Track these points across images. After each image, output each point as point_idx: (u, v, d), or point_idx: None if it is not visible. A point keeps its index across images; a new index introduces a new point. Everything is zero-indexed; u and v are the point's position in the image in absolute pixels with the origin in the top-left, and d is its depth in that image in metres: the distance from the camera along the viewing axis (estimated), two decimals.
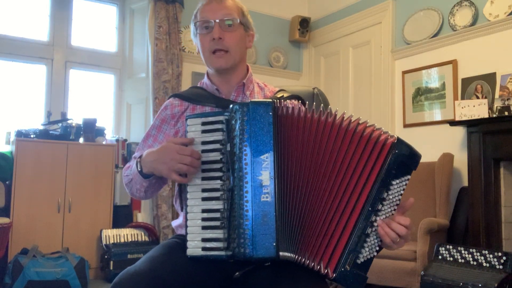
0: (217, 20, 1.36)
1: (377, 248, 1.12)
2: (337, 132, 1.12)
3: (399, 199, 1.11)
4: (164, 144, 1.24)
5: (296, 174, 1.13)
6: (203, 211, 1.15)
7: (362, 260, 1.10)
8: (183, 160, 1.15)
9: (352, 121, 1.13)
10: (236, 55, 1.40)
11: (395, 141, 1.09)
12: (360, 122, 1.12)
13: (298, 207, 1.13)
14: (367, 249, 1.10)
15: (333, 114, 1.14)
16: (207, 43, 1.38)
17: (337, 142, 1.12)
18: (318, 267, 1.09)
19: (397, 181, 1.09)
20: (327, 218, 1.11)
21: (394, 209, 1.12)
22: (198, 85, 1.50)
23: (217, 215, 1.14)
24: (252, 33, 1.47)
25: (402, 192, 1.11)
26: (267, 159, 1.10)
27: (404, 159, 1.09)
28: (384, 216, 1.10)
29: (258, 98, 1.44)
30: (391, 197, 1.10)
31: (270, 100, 1.14)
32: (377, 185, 1.09)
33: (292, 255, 1.11)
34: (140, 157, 1.31)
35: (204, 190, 1.16)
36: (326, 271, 1.09)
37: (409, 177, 1.10)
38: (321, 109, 1.15)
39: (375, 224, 1.10)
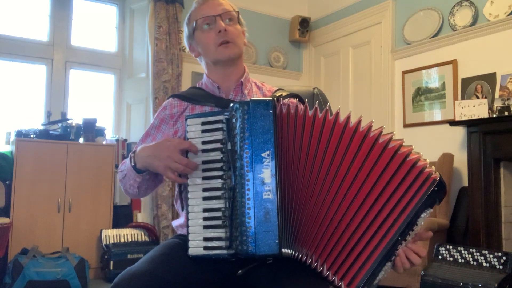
0: (220, 14, 1.38)
1: (389, 271, 1.13)
2: (372, 143, 1.09)
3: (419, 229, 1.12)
4: (161, 140, 1.24)
5: (299, 172, 1.12)
6: (205, 210, 1.15)
7: (376, 281, 1.10)
8: (180, 160, 1.15)
9: (392, 139, 1.10)
10: (240, 47, 1.42)
11: (438, 178, 1.07)
12: (393, 138, 1.10)
13: (301, 205, 1.12)
14: (383, 272, 1.10)
15: (345, 116, 1.12)
16: (211, 38, 1.39)
17: (366, 152, 1.09)
18: (340, 283, 1.08)
19: (424, 214, 1.09)
20: (355, 233, 1.08)
21: (413, 237, 1.12)
22: (197, 85, 1.49)
23: (219, 214, 1.13)
24: (244, 30, 1.48)
25: (423, 222, 1.10)
26: (268, 157, 1.10)
27: (437, 196, 1.09)
28: (405, 245, 1.11)
29: (256, 97, 1.44)
30: (416, 228, 1.10)
31: (270, 98, 1.14)
32: (411, 217, 1.07)
33: (295, 253, 1.10)
34: (134, 152, 1.31)
35: (205, 190, 1.16)
36: None
37: (431, 210, 1.10)
38: (328, 108, 1.14)
39: (397, 252, 1.10)
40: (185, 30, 1.48)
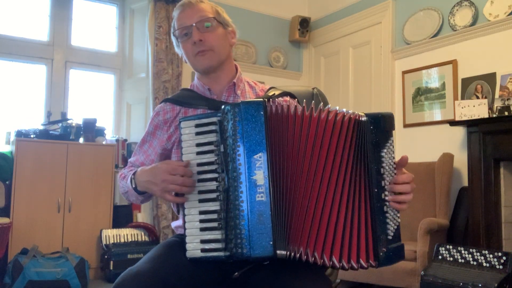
0: (194, 24, 1.37)
1: (398, 216, 1.13)
2: (321, 124, 1.12)
3: (394, 162, 1.12)
4: (156, 164, 1.26)
5: (290, 171, 1.13)
6: (201, 212, 1.16)
7: (392, 234, 1.11)
8: (175, 181, 1.16)
9: (324, 110, 1.13)
10: (220, 52, 1.40)
11: (361, 118, 1.10)
12: (331, 110, 1.13)
13: (295, 204, 1.12)
14: (391, 223, 1.11)
15: (325, 110, 1.13)
16: (189, 48, 1.39)
17: (319, 134, 1.12)
18: (358, 265, 1.09)
19: (385, 150, 1.10)
20: (332, 211, 1.10)
21: (394, 173, 1.12)
22: (189, 87, 1.50)
23: (214, 216, 1.14)
24: (232, 29, 1.46)
25: (393, 155, 1.11)
26: (261, 159, 1.11)
27: (379, 131, 1.10)
28: (391, 189, 1.11)
29: (249, 97, 1.45)
30: (387, 167, 1.10)
31: (261, 99, 1.15)
32: (367, 165, 1.09)
33: (290, 253, 1.11)
34: (134, 173, 1.33)
35: (200, 192, 1.17)
36: (368, 264, 1.09)
37: (392, 138, 1.11)
38: (320, 107, 1.14)
39: (387, 198, 1.10)
40: (173, 40, 1.48)
